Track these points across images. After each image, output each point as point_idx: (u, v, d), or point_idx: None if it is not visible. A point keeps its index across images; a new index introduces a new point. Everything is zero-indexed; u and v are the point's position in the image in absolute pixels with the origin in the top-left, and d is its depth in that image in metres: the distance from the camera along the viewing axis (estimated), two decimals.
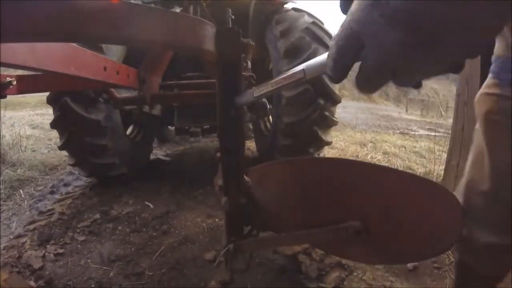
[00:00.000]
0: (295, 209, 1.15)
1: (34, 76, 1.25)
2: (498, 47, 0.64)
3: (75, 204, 2.21)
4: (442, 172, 2.36)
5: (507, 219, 0.68)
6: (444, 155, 2.61)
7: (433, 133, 6.26)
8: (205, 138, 3.72)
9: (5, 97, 1.10)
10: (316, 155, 2.38)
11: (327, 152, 3.08)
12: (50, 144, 3.85)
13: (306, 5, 2.57)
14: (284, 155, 2.29)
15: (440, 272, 1.46)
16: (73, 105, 2.01)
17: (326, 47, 2.18)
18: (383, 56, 0.28)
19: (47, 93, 2.09)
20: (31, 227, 1.90)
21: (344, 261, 1.47)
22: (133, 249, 1.66)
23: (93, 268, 1.51)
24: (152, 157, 3.27)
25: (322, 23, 2.40)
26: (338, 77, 0.34)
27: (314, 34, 2.24)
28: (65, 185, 2.63)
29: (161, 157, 3.43)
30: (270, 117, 2.72)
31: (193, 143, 4.12)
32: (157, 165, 3.15)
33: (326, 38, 2.25)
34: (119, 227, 1.89)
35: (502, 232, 0.69)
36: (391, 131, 7.07)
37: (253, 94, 0.72)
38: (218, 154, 0.99)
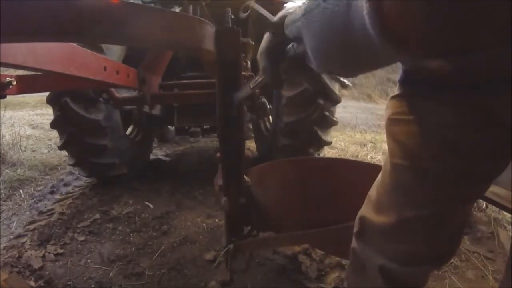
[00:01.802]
0: (295, 209, 1.15)
1: (34, 76, 1.25)
2: None
3: (75, 204, 2.21)
4: None
5: (407, 248, 0.64)
6: None
7: None
8: (205, 138, 3.72)
9: (5, 97, 1.10)
10: (316, 155, 2.38)
11: (327, 152, 3.08)
12: (50, 144, 3.84)
13: None
14: (284, 155, 2.28)
15: (440, 272, 1.46)
16: (73, 105, 2.01)
17: None
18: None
19: (47, 93, 2.09)
20: (31, 227, 1.90)
21: (344, 262, 1.47)
22: (133, 249, 1.66)
23: (93, 268, 1.51)
24: (152, 157, 3.27)
25: None
26: None
27: None
28: (65, 185, 2.63)
29: (161, 157, 3.43)
30: (270, 117, 2.72)
31: (193, 143, 4.11)
32: (157, 165, 3.15)
33: None
34: (119, 227, 1.89)
35: (398, 260, 0.66)
36: None
37: (249, 86, 0.72)
38: (218, 154, 0.99)
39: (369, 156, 3.61)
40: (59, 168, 3.03)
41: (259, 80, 0.65)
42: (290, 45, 0.55)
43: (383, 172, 0.68)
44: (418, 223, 0.61)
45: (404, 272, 0.66)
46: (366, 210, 0.72)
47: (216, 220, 1.95)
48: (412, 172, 0.60)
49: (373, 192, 0.71)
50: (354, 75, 0.48)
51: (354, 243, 0.76)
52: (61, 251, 1.64)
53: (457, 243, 0.70)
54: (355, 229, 0.74)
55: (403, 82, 0.62)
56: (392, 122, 0.64)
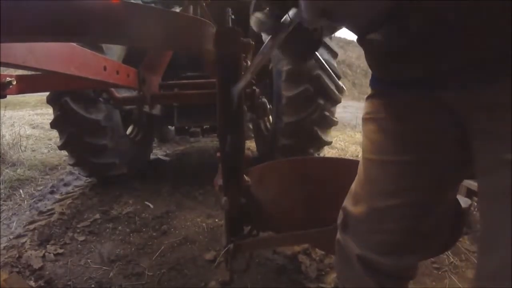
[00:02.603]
0: (295, 209, 1.15)
1: (34, 76, 1.25)
2: None
3: (75, 204, 2.21)
4: None
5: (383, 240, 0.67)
6: None
7: None
8: (205, 138, 3.72)
9: (5, 97, 1.10)
10: (316, 155, 2.38)
11: (327, 152, 3.08)
12: (50, 144, 3.84)
13: None
14: (284, 155, 2.28)
15: (440, 272, 1.46)
16: (73, 105, 2.01)
17: None
18: None
19: (47, 93, 2.09)
20: (31, 227, 1.90)
21: None
22: (133, 249, 1.66)
23: (93, 268, 1.51)
24: (152, 157, 3.27)
25: None
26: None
27: None
28: (65, 185, 2.63)
29: (161, 157, 3.43)
30: (270, 117, 2.72)
31: (193, 143, 4.12)
32: (157, 165, 3.15)
33: None
34: (119, 227, 1.89)
35: (378, 252, 0.68)
36: None
37: (249, 72, 0.72)
38: (218, 154, 0.99)
39: None
40: (59, 168, 3.03)
41: (260, 56, 0.66)
42: (285, 16, 0.58)
43: (359, 167, 0.74)
44: (388, 213, 0.64)
45: (383, 261, 0.67)
46: (347, 202, 0.76)
47: (216, 220, 1.95)
48: (379, 165, 0.65)
49: (353, 185, 0.76)
50: (347, 14, 0.51)
51: (338, 234, 0.79)
52: (61, 251, 1.64)
53: (450, 236, 0.71)
54: (339, 220, 0.78)
55: (372, 84, 0.68)
56: (364, 121, 0.71)
